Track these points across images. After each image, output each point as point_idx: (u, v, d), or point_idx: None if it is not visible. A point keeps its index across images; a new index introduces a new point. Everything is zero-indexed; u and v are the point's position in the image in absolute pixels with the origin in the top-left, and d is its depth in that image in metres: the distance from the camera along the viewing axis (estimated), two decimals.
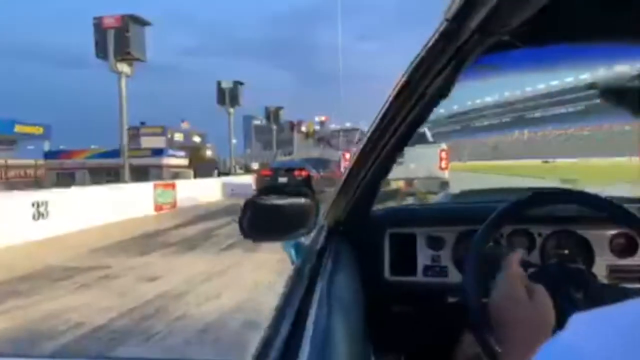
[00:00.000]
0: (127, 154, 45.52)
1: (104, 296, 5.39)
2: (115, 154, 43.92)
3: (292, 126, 44.49)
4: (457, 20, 0.67)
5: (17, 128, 36.05)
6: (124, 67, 13.99)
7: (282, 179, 17.88)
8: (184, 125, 63.53)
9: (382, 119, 1.02)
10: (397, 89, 0.91)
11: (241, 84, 22.30)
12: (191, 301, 5.21)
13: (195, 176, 41.29)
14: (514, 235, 1.33)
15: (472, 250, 1.06)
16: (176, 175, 19.51)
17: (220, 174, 30.27)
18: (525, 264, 0.95)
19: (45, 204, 9.49)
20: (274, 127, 34.66)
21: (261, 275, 6.12)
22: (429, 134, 12.91)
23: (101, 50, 13.80)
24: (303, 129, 53.54)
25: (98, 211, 11.00)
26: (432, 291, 1.41)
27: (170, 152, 47.46)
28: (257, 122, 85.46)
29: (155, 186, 13.55)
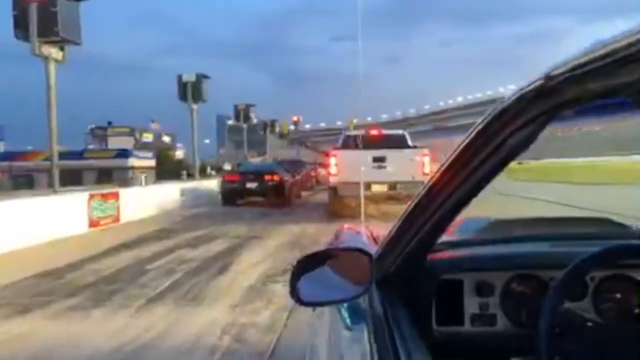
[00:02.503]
0: (89, 154, 41.77)
1: None
2: (76, 155, 40.59)
3: (265, 126, 41.60)
4: (565, 82, 0.62)
5: None
6: (51, 51, 11.04)
7: (251, 185, 15.16)
8: (154, 126, 60.15)
9: (450, 167, 0.94)
10: (471, 137, 0.85)
11: (205, 77, 19.44)
12: None
13: (161, 178, 38.44)
14: None
15: (546, 310, 0.98)
16: (125, 181, 16.51)
17: (189, 176, 27.69)
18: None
19: None
20: (244, 126, 31.78)
21: None
22: (408, 138, 12.47)
23: (21, 30, 10.83)
24: (277, 129, 50.74)
25: (8, 233, 8.15)
26: (482, 343, 1.31)
27: (137, 153, 44.34)
28: (230, 122, 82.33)
29: (91, 196, 10.66)
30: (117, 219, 11.53)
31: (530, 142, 0.79)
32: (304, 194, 20.14)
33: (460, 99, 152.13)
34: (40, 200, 10.11)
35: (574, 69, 0.60)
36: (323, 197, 17.21)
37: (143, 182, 16.01)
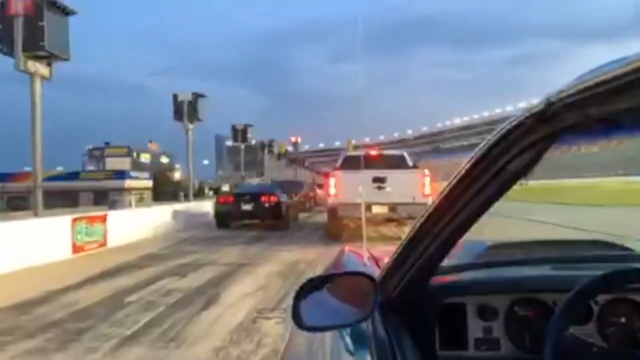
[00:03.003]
0: (84, 176, 41.09)
1: None
2: (72, 176, 39.89)
3: (263, 146, 41.05)
4: (566, 107, 0.63)
5: None
6: (37, 67, 10.50)
7: (246, 207, 14.50)
8: (152, 147, 59.60)
9: (451, 192, 0.94)
10: (472, 162, 0.86)
11: (202, 96, 18.90)
12: None
13: (158, 199, 37.76)
14: None
15: (551, 335, 0.96)
16: (113, 203, 15.81)
17: (187, 197, 27.26)
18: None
19: None
20: (242, 146, 31.22)
21: None
22: (408, 159, 12.22)
23: (6, 44, 10.29)
24: (275, 149, 50.24)
25: None
26: None
27: (133, 174, 43.75)
28: (229, 143, 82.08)
29: (74, 220, 9.98)
30: (103, 244, 10.83)
31: (531, 167, 0.78)
32: (301, 215, 19.46)
33: (457, 121, 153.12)
34: (21, 223, 9.46)
35: (574, 94, 0.60)
36: (321, 218, 16.58)
37: (133, 204, 15.26)
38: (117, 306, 5.82)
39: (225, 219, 14.74)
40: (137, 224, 12.75)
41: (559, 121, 0.65)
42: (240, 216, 14.68)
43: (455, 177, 0.91)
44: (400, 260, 1.17)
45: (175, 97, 18.61)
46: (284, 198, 15.32)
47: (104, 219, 10.95)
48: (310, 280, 1.20)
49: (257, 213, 14.51)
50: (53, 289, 6.74)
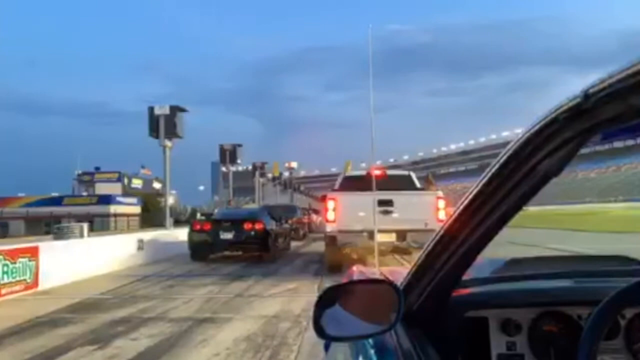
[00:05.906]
0: (68, 201, 38.45)
1: None
2: (55, 201, 37.21)
3: (255, 169, 38.51)
4: (605, 99, 0.57)
5: None
6: None
7: (226, 235, 11.88)
8: (144, 172, 57.24)
9: (477, 195, 0.86)
10: (500, 163, 0.79)
11: (181, 110, 16.48)
12: None
13: (147, 225, 35.17)
14: None
15: (583, 349, 0.85)
16: (60, 232, 13.17)
17: (177, 222, 25.18)
18: None
19: None
20: (232, 169, 28.69)
21: None
22: (415, 180, 10.99)
23: None
24: (269, 174, 47.76)
25: None
26: None
27: (120, 199, 41.15)
28: (224, 168, 79.51)
29: None
30: (32, 285, 8.17)
31: (563, 166, 0.72)
32: (294, 244, 16.85)
33: (453, 146, 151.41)
34: None
35: (615, 84, 0.55)
36: (317, 248, 14.05)
37: (85, 233, 12.66)
38: None
39: (201, 249, 12.09)
40: (89, 257, 10.11)
41: (598, 114, 0.60)
42: (219, 246, 12.04)
43: (480, 180, 0.85)
44: (421, 271, 1.12)
45: (151, 110, 16.17)
46: (271, 225, 12.71)
47: (33, 253, 8.31)
48: (331, 288, 1.14)
49: (238, 242, 11.88)
50: None
